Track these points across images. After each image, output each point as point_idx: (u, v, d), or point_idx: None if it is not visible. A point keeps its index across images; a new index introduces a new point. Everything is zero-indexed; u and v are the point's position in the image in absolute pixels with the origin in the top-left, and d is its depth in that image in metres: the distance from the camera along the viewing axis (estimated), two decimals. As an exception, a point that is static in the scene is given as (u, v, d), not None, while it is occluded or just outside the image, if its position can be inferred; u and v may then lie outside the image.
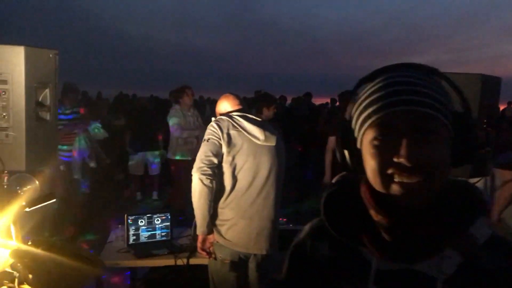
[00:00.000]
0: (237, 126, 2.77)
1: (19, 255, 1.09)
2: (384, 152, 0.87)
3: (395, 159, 0.84)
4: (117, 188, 8.12)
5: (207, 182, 2.67)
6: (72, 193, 5.75)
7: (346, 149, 0.96)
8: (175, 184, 6.31)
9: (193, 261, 3.11)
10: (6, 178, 2.89)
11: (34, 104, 2.76)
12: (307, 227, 1.09)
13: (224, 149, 2.71)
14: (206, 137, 2.77)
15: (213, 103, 10.30)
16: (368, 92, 0.92)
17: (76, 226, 5.45)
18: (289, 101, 11.35)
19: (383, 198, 0.90)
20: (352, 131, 0.95)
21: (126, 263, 3.14)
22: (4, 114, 2.65)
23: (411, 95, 0.86)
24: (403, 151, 0.83)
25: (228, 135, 2.73)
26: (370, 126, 0.88)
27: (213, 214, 2.79)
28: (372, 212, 0.94)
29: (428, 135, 0.85)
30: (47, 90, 2.89)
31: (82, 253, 1.14)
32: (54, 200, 2.67)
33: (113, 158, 8.24)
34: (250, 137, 2.76)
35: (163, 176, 7.44)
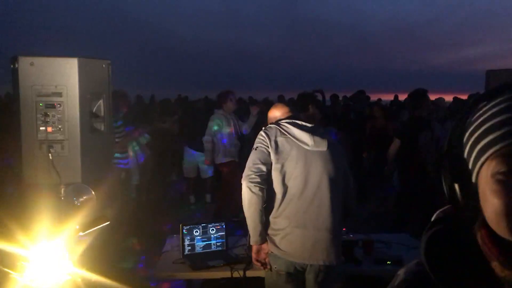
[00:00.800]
0: (285, 133, 2.68)
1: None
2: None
3: None
4: (169, 191, 8.19)
5: (255, 190, 2.59)
6: (132, 199, 5.81)
7: (457, 182, 0.79)
8: (225, 187, 6.25)
9: (250, 273, 3.00)
10: (63, 189, 2.91)
11: (88, 116, 2.76)
12: (402, 274, 0.91)
13: (273, 157, 2.64)
14: (254, 145, 2.72)
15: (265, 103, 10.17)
16: (489, 114, 0.74)
17: (128, 227, 5.50)
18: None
19: (511, 248, 0.71)
20: (463, 161, 0.78)
21: (182, 275, 3.08)
22: (60, 126, 2.65)
23: None
24: None
25: (276, 142, 2.66)
26: (492, 156, 0.71)
27: (266, 224, 2.70)
28: (496, 265, 0.75)
29: None
30: (101, 101, 2.87)
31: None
32: (108, 223, 2.64)
33: (165, 160, 8.32)
34: (298, 143, 2.65)
35: (216, 179, 7.42)
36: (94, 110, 2.87)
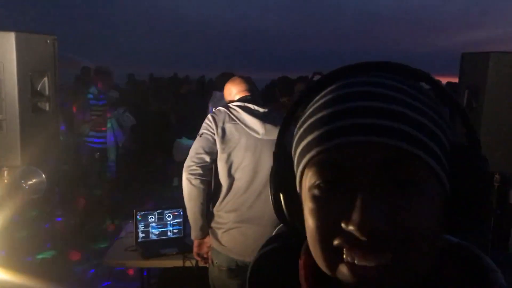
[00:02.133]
0: (235, 118, 2.44)
1: None
2: (328, 212, 0.52)
3: (343, 225, 0.50)
4: (156, 173, 8.07)
5: (196, 182, 2.40)
6: (106, 179, 5.67)
7: (282, 192, 0.62)
8: None
9: (202, 263, 2.87)
10: (6, 172, 2.77)
11: (29, 94, 2.59)
12: None
13: (219, 145, 2.43)
14: (200, 131, 2.49)
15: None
16: (313, 108, 0.56)
17: (104, 208, 5.40)
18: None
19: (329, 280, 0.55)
20: (291, 163, 0.61)
21: (132, 263, 2.96)
22: (-3, 105, 2.50)
23: (377, 118, 0.50)
24: (356, 214, 0.48)
25: (223, 129, 2.43)
26: (310, 163, 0.54)
27: (209, 217, 2.54)
28: None
29: (402, 187, 0.50)
30: (45, 79, 2.71)
31: None
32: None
33: (153, 142, 8.19)
34: (248, 130, 2.42)
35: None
36: (38, 89, 2.72)
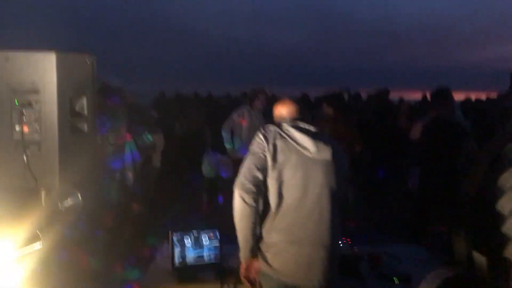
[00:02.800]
0: (285, 136, 2.40)
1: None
2: None
3: None
4: (185, 189, 8.05)
5: (250, 201, 2.31)
6: (130, 199, 5.59)
7: (476, 248, 0.52)
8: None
9: (241, 288, 2.77)
10: (43, 193, 2.74)
11: (68, 115, 2.56)
12: None
13: (270, 163, 2.36)
14: (250, 149, 2.44)
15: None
16: None
17: (132, 229, 5.35)
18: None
19: None
20: (493, 213, 0.50)
21: (168, 288, 2.87)
22: (37, 126, 2.47)
23: None
24: None
25: (274, 146, 2.37)
26: None
27: (259, 238, 2.44)
28: None
29: None
30: (84, 99, 2.68)
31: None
32: (39, 241, 2.45)
33: (183, 159, 8.18)
34: (300, 148, 2.37)
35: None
36: (77, 109, 2.69)
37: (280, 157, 2.36)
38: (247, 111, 6.00)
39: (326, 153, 2.38)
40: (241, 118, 5.95)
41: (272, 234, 2.39)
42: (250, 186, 2.33)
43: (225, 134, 6.07)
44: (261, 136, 2.42)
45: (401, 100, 14.78)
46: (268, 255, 2.38)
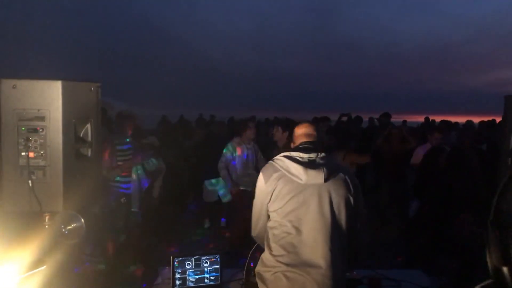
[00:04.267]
0: (280, 168, 2.51)
1: None
2: None
3: None
4: (184, 214, 8.07)
5: (261, 240, 2.64)
6: (132, 226, 5.62)
7: (506, 265, 0.57)
8: (233, 215, 6.10)
9: (241, 311, 2.79)
10: (47, 217, 2.79)
11: (73, 140, 2.64)
12: None
13: (269, 197, 2.50)
14: (256, 192, 2.62)
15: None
16: None
17: (133, 253, 5.36)
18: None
19: None
20: None
21: (169, 311, 2.89)
22: (42, 152, 2.53)
23: None
24: None
25: (272, 181, 2.50)
26: None
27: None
28: None
29: None
30: (88, 125, 2.76)
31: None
32: (44, 267, 2.49)
33: (183, 183, 8.21)
34: (292, 177, 2.46)
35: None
36: (81, 135, 2.77)
37: (275, 188, 2.47)
38: (237, 144, 6.00)
39: (317, 178, 2.42)
40: (232, 156, 5.96)
41: (270, 258, 2.44)
42: (260, 236, 2.65)
43: (223, 174, 6.02)
44: (261, 176, 2.57)
45: (404, 122, 14.85)
46: (266, 276, 2.43)
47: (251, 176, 5.85)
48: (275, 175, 2.49)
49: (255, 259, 3.05)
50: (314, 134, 2.67)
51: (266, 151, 6.14)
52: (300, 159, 2.49)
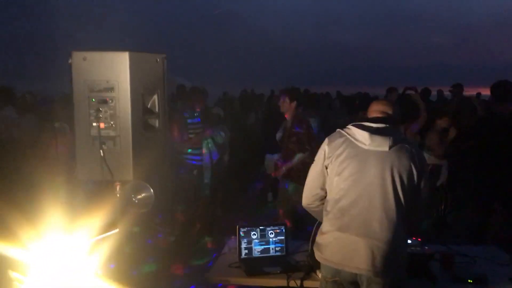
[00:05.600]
0: (345, 134, 2.46)
1: None
2: None
3: None
4: (249, 188, 8.12)
5: (316, 209, 2.60)
6: (203, 196, 5.74)
7: None
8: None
9: (307, 283, 2.76)
10: (118, 187, 2.88)
11: (141, 112, 2.68)
12: None
13: (328, 162, 2.46)
14: (316, 156, 2.57)
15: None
16: None
17: (202, 225, 5.48)
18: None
19: None
20: None
21: (235, 280, 2.91)
22: (112, 122, 2.60)
23: None
24: None
25: (333, 145, 2.46)
26: None
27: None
28: None
29: None
30: (155, 96, 2.79)
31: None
32: (117, 230, 2.54)
33: (247, 157, 8.26)
34: (356, 142, 2.40)
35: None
36: (149, 106, 2.81)
37: (335, 151, 2.42)
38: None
39: (382, 145, 2.34)
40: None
41: (325, 223, 2.44)
42: (315, 204, 2.58)
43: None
44: (325, 142, 2.53)
45: (478, 95, 14.06)
46: (321, 243, 2.42)
47: None
48: (339, 140, 2.44)
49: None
50: (389, 113, 2.56)
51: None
52: (368, 127, 2.41)
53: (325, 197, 2.51)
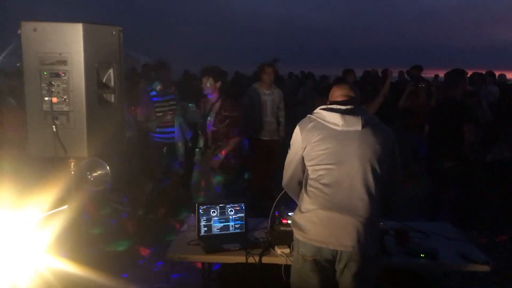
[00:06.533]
0: (315, 118, 2.48)
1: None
2: None
3: None
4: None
5: (295, 191, 2.63)
6: (173, 174, 5.62)
7: None
8: (256, 166, 5.98)
9: (266, 259, 2.79)
10: (72, 164, 2.79)
11: (95, 86, 2.58)
12: None
13: (302, 144, 2.47)
14: (291, 142, 2.58)
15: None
16: None
17: (168, 206, 5.41)
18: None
19: None
20: None
21: (194, 258, 2.91)
22: (65, 97, 2.49)
23: None
24: None
25: (305, 132, 2.47)
26: None
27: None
28: None
29: None
30: (111, 70, 2.70)
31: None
32: (66, 206, 2.49)
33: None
34: (328, 125, 2.43)
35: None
36: (104, 80, 2.71)
37: (312, 137, 2.42)
38: (253, 91, 5.77)
39: (355, 125, 2.38)
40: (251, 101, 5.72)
41: (307, 202, 2.45)
42: (292, 187, 2.63)
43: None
44: (296, 128, 2.52)
45: (436, 76, 14.40)
46: (302, 222, 2.43)
47: (267, 124, 5.70)
48: (311, 125, 2.45)
49: (280, 209, 3.04)
50: (353, 95, 2.58)
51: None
52: (336, 109, 2.44)
53: (301, 178, 2.54)
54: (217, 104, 4.47)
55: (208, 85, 4.45)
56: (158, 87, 4.98)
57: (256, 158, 5.82)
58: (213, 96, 4.50)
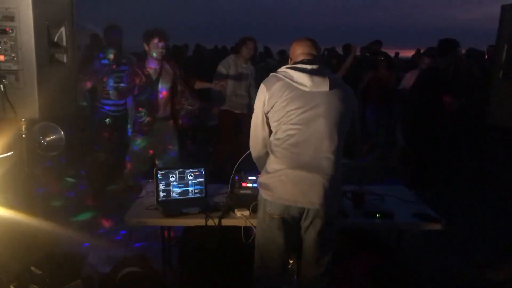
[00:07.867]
0: (282, 77, 2.46)
1: None
2: None
3: None
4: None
5: (261, 162, 2.62)
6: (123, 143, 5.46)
7: None
8: (223, 136, 5.97)
9: (225, 221, 2.79)
10: (23, 126, 2.68)
11: (46, 44, 2.48)
12: None
13: (268, 105, 2.47)
14: (255, 104, 2.56)
15: (281, 54, 9.79)
16: None
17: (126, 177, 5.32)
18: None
19: None
20: None
21: (153, 222, 2.88)
22: (13, 55, 2.38)
23: None
24: None
25: (272, 91, 2.45)
26: None
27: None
28: None
29: None
30: (62, 29, 2.59)
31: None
32: (11, 152, 2.42)
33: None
34: (296, 85, 2.43)
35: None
36: (55, 40, 2.60)
37: (278, 96, 2.42)
38: (232, 61, 5.76)
39: (323, 86, 2.39)
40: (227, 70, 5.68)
41: (274, 163, 2.46)
42: (257, 154, 2.63)
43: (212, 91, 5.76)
44: (262, 86, 2.50)
45: (397, 54, 14.63)
46: (270, 182, 2.44)
47: (239, 97, 5.72)
48: (278, 84, 2.43)
49: (240, 174, 3.04)
50: (315, 54, 2.59)
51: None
52: (303, 69, 2.43)
53: (267, 139, 2.54)
54: (164, 69, 4.49)
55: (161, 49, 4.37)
56: (111, 55, 4.69)
57: (224, 129, 5.82)
58: (156, 64, 4.44)
